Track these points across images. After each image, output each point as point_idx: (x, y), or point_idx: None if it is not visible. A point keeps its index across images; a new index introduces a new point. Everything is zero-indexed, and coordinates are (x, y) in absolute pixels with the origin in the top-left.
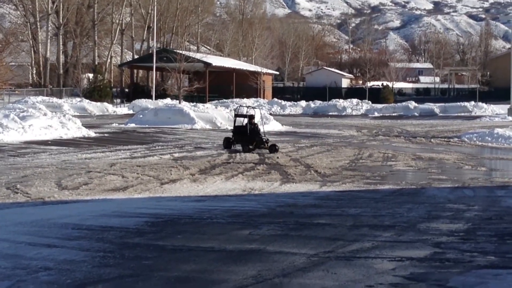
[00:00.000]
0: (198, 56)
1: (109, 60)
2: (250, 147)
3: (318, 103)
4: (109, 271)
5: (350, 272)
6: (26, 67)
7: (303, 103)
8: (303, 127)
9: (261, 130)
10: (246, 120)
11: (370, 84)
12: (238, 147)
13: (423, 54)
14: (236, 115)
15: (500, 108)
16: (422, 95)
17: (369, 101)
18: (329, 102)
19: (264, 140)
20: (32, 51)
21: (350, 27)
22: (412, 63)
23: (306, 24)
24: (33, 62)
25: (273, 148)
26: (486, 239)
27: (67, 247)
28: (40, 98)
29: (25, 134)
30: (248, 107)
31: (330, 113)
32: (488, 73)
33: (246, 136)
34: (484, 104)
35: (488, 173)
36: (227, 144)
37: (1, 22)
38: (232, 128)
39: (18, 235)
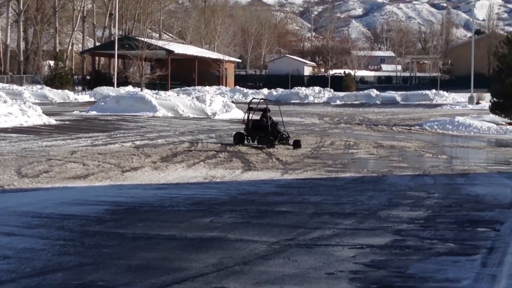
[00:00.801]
0: (160, 43)
1: (70, 47)
2: (275, 142)
3: (280, 91)
4: (69, 259)
5: (311, 259)
6: None
7: (265, 91)
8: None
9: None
10: (247, 115)
11: (332, 72)
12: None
13: (385, 42)
14: (250, 108)
15: (461, 97)
16: (384, 83)
17: (331, 89)
18: (291, 90)
19: (285, 136)
20: None
21: (313, 15)
22: (374, 52)
23: (269, 12)
24: None
25: (298, 144)
26: (445, 226)
27: (26, 236)
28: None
29: None
30: (260, 100)
31: (292, 101)
32: (449, 61)
33: (266, 131)
34: (445, 93)
35: (449, 161)
36: (239, 139)
37: None
38: (244, 122)
39: None
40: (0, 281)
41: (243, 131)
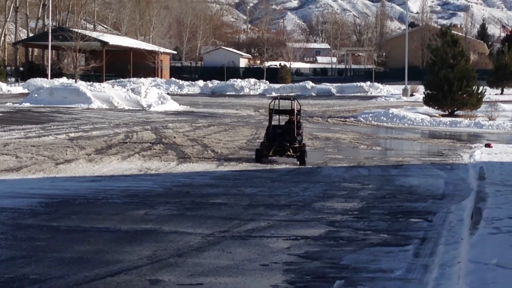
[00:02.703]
0: (94, 34)
1: (2, 38)
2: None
3: (216, 82)
4: (1, 252)
5: (246, 251)
6: None
7: (201, 82)
8: (200, 106)
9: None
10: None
11: (268, 64)
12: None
13: (320, 34)
14: (274, 111)
15: (395, 89)
16: (320, 75)
17: (267, 81)
18: (227, 82)
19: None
20: None
21: (248, 7)
22: (309, 44)
23: (204, 4)
24: None
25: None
26: (379, 217)
27: None
28: None
29: None
30: (287, 98)
31: (228, 93)
32: (384, 54)
33: (291, 138)
34: (379, 85)
35: (383, 153)
36: (260, 155)
37: None
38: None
39: None
40: None
41: (264, 143)
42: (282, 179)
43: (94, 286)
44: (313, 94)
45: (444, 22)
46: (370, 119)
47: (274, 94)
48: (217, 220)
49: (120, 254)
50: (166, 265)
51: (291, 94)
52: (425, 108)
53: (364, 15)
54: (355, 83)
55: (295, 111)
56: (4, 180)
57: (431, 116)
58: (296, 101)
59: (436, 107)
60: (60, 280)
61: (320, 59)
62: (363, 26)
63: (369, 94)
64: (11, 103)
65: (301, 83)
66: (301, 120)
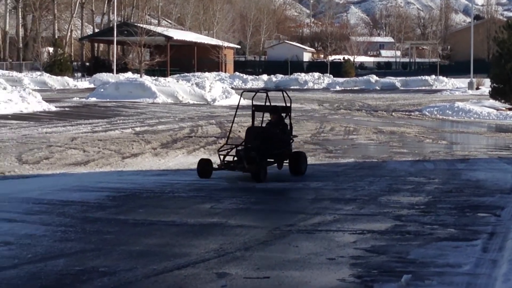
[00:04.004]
0: (159, 29)
1: (69, 34)
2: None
3: (280, 77)
4: (71, 245)
5: (312, 245)
6: None
7: (264, 77)
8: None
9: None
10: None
11: (331, 58)
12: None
13: (384, 28)
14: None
15: (461, 82)
16: (383, 69)
17: (331, 75)
18: (291, 76)
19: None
20: None
21: (311, 1)
22: (373, 37)
23: None
24: None
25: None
26: (446, 211)
27: (28, 222)
28: None
29: None
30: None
31: (292, 87)
32: (449, 47)
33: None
34: (444, 78)
35: (449, 147)
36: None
37: None
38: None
39: None
40: (2, 267)
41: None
42: (347, 173)
43: (162, 279)
44: (377, 88)
45: (511, 14)
46: (435, 113)
47: (338, 88)
48: (283, 214)
49: (187, 247)
50: (233, 258)
51: (355, 88)
52: (491, 102)
53: (428, 8)
54: (419, 77)
55: (279, 109)
56: (73, 174)
57: (497, 109)
58: (285, 93)
59: (502, 101)
60: (129, 273)
61: (384, 52)
62: (427, 19)
63: (433, 87)
64: (77, 98)
65: (365, 77)
66: (289, 121)
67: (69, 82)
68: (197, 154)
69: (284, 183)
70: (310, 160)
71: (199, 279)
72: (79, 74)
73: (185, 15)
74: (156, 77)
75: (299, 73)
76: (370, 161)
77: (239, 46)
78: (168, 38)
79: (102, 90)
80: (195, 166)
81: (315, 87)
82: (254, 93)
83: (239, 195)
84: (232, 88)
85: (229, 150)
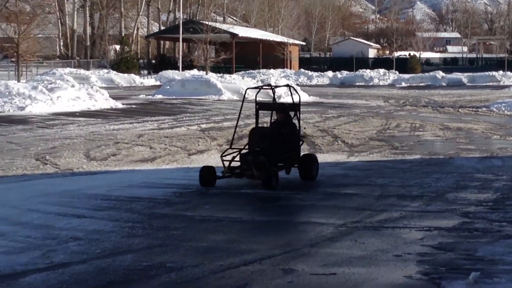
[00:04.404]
0: (224, 27)
1: (135, 32)
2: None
3: (345, 73)
4: (138, 241)
5: (378, 241)
6: (53, 39)
7: (330, 73)
8: (330, 97)
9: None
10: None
11: (397, 54)
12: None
13: (450, 23)
14: (259, 105)
15: None
16: (450, 64)
17: (396, 71)
18: (356, 72)
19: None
20: (59, 23)
21: None
22: (439, 33)
23: None
24: (60, 34)
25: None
26: None
27: (96, 218)
28: (67, 70)
29: (53, 106)
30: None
31: (357, 84)
32: None
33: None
34: None
35: None
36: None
37: None
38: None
39: (48, 205)
40: (71, 262)
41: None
42: (413, 169)
43: (229, 275)
44: (444, 84)
45: None
46: (503, 109)
47: (403, 84)
48: (349, 211)
49: (253, 243)
50: (299, 255)
51: (421, 84)
52: None
53: (496, 3)
54: (486, 73)
55: (287, 107)
56: (140, 170)
57: None
58: (292, 89)
59: None
60: (196, 269)
61: (450, 48)
62: (495, 14)
63: (501, 83)
64: (144, 95)
65: (431, 73)
66: (298, 121)
67: (136, 79)
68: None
69: (349, 179)
70: (376, 157)
71: (265, 275)
72: (145, 72)
73: (250, 12)
74: (221, 74)
75: (364, 70)
76: (437, 158)
77: (304, 43)
78: (234, 35)
79: (168, 87)
80: None
81: (381, 83)
82: (258, 90)
83: (305, 192)
84: (297, 85)
85: (234, 155)
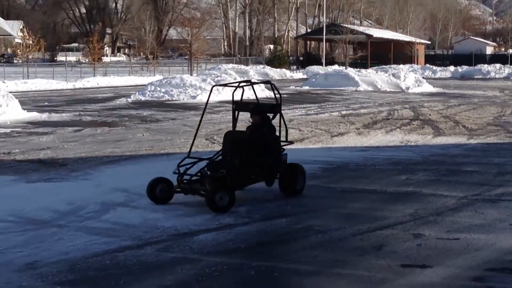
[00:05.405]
0: (361, 29)
1: (286, 33)
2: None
3: (465, 68)
4: (290, 207)
5: (496, 212)
6: (219, 40)
7: (451, 68)
8: (451, 88)
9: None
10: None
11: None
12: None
13: None
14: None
15: None
16: None
17: (511, 66)
18: (475, 67)
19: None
20: (224, 27)
21: (494, 2)
22: None
23: (454, 0)
24: (224, 36)
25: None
26: None
27: (255, 187)
28: (230, 65)
29: (219, 95)
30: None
31: (476, 77)
32: None
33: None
34: None
35: None
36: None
37: (199, 3)
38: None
39: None
40: (236, 224)
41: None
42: None
43: (366, 238)
44: None
45: None
46: None
47: None
48: (469, 185)
49: (386, 211)
50: (426, 222)
51: None
52: None
53: None
54: None
55: (263, 108)
56: (290, 149)
57: None
58: (272, 86)
59: None
60: (338, 232)
61: None
62: None
63: None
64: (293, 87)
65: None
66: (280, 124)
67: (286, 73)
68: (394, 134)
69: (469, 158)
70: (493, 140)
71: (397, 238)
72: (294, 67)
73: (383, 16)
74: (358, 69)
75: (482, 65)
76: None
77: (429, 42)
78: (369, 36)
79: (313, 80)
80: (392, 144)
81: (497, 76)
82: (235, 87)
83: (431, 168)
84: (423, 78)
85: (189, 167)
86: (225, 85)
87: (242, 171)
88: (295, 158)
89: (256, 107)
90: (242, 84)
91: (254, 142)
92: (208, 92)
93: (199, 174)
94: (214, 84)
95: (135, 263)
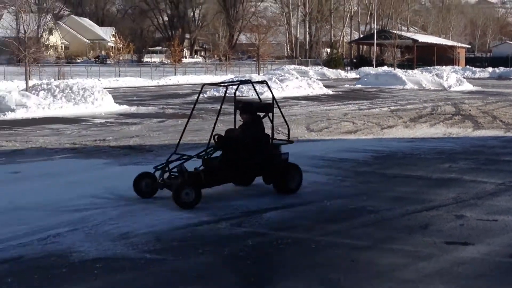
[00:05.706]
0: (408, 34)
1: (341, 39)
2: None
3: (502, 69)
4: (346, 190)
5: None
6: (282, 44)
7: (489, 69)
8: (489, 87)
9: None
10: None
11: None
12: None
13: None
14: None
15: None
16: None
17: None
18: (511, 68)
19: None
20: (287, 32)
21: None
22: None
23: (493, 9)
24: (287, 40)
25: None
26: None
27: (315, 172)
28: (292, 66)
29: (282, 92)
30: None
31: (511, 77)
32: None
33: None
34: None
35: None
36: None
37: (265, 12)
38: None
39: None
40: (298, 203)
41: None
42: None
43: (414, 218)
44: None
45: None
46: None
47: None
48: (507, 173)
49: (431, 195)
50: (468, 205)
51: None
52: None
53: None
54: None
55: (253, 107)
56: (345, 139)
57: None
58: (266, 83)
59: None
60: (388, 212)
61: None
62: None
63: None
64: (348, 85)
65: None
66: (271, 123)
67: (341, 73)
68: (437, 127)
69: (506, 149)
70: None
71: (442, 219)
72: (348, 68)
73: (428, 23)
74: (405, 70)
75: None
76: None
77: (469, 46)
78: (415, 41)
79: (365, 79)
80: (436, 136)
81: None
82: (234, 86)
83: (471, 157)
84: (463, 78)
85: (164, 165)
86: (217, 84)
87: (220, 169)
88: (349, 147)
89: (245, 106)
90: (229, 83)
91: (243, 140)
92: (276, 89)
93: (176, 169)
94: (279, 82)
95: (212, 235)
